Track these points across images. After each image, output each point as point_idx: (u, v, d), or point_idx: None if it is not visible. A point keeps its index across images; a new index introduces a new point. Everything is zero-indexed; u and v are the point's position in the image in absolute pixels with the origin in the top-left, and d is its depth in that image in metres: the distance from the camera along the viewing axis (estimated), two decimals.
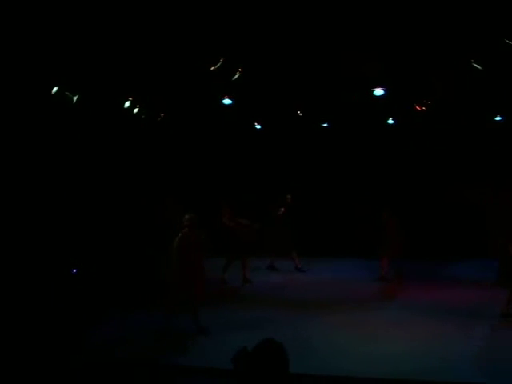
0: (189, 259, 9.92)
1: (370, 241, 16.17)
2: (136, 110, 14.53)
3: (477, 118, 15.92)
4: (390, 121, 16.95)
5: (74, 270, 13.16)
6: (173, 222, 11.02)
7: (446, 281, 14.00)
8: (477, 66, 11.36)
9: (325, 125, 17.97)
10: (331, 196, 18.61)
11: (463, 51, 10.98)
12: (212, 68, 11.30)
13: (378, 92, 13.22)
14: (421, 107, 15.03)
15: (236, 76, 11.99)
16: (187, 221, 10.09)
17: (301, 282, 14.82)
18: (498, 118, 16.17)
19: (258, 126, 18.04)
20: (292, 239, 15.79)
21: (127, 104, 14.06)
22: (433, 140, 17.63)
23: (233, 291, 13.61)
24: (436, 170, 17.62)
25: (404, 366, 8.23)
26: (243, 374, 3.64)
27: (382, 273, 14.48)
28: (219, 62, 11.23)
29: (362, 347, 9.10)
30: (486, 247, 13.26)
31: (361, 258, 16.76)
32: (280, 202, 15.98)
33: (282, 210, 15.87)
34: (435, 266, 15.68)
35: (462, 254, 15.90)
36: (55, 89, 11.56)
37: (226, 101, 14.21)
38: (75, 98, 12.14)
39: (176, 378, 8.23)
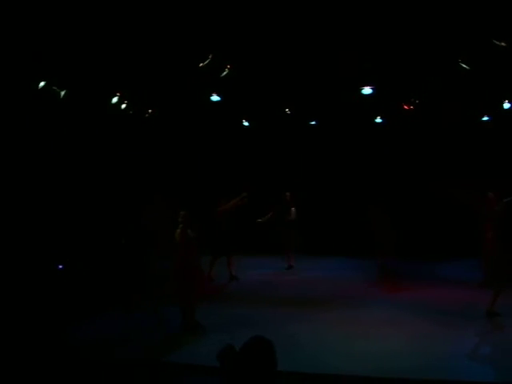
0: (187, 256, 9.97)
1: (358, 239, 16.27)
2: (124, 106, 14.47)
3: (464, 118, 16.00)
4: (378, 119, 17.01)
5: (60, 266, 13.09)
6: (161, 218, 11.00)
7: (435, 280, 13.96)
8: (464, 66, 11.42)
9: (313, 123, 17.99)
10: (319, 194, 18.65)
11: (451, 51, 11.03)
12: (200, 65, 11.27)
13: (367, 91, 13.26)
14: (409, 106, 15.10)
15: (224, 73, 11.97)
16: (182, 217, 10.10)
17: (289, 279, 14.84)
18: (485, 118, 16.28)
19: (246, 123, 18.00)
20: (292, 237, 15.85)
21: (115, 99, 13.99)
22: (421, 139, 17.70)
23: (219, 288, 13.59)
24: (425, 169, 17.68)
25: (393, 363, 8.21)
26: (230, 371, 3.63)
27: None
28: (208, 58, 11.21)
29: (352, 345, 9.09)
30: (476, 247, 13.27)
31: (349, 256, 16.81)
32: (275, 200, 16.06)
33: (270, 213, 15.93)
34: (425, 266, 15.69)
35: (451, 253, 15.96)
36: (42, 83, 11.48)
37: (215, 97, 14.18)
38: (63, 93, 12.07)
39: (166, 376, 8.20)
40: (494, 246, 10.96)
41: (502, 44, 10.02)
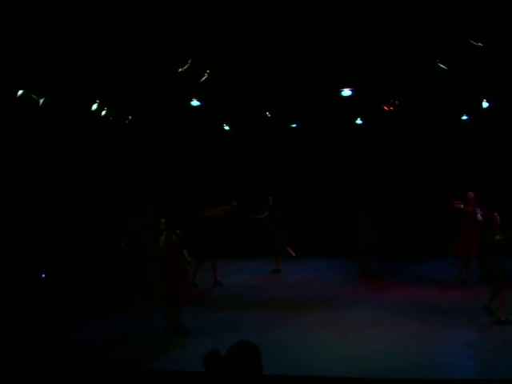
0: (173, 261, 9.95)
1: (342, 240, 16.30)
2: (104, 113, 14.40)
3: (444, 117, 16.10)
4: (359, 121, 17.07)
5: (43, 275, 13.01)
6: (146, 225, 10.98)
7: (419, 280, 13.96)
8: (442, 65, 11.51)
9: (294, 125, 18.02)
10: (303, 197, 18.66)
11: (429, 51, 11.11)
12: (180, 70, 11.25)
13: (346, 92, 13.30)
14: (388, 107, 15.17)
15: (204, 77, 11.96)
16: (164, 224, 10.13)
17: (273, 283, 14.84)
18: (464, 118, 16.39)
19: (226, 128, 17.99)
20: (278, 241, 15.87)
21: (95, 106, 13.92)
22: (402, 140, 17.79)
23: (203, 294, 13.55)
24: (408, 169, 17.77)
25: (380, 364, 8.24)
26: (216, 376, 3.62)
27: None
28: (187, 63, 11.19)
29: (336, 347, 9.11)
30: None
31: (333, 257, 16.82)
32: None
33: (266, 213, 15.96)
34: (409, 266, 15.71)
35: (434, 253, 15.98)
36: (21, 91, 11.40)
37: (195, 102, 14.16)
38: (41, 101, 11.99)
39: (152, 382, 8.17)
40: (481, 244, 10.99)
41: (479, 44, 10.11)
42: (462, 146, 17.03)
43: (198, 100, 14.11)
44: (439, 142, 17.36)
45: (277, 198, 16.08)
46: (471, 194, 12.61)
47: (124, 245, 11.03)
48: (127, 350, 9.29)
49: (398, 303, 11.83)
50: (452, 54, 11.11)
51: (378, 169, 18.09)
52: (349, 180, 18.22)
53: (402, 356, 8.60)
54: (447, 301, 11.79)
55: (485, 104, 14.74)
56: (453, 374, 7.92)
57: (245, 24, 9.66)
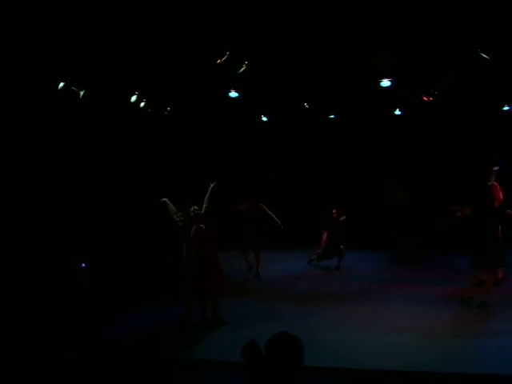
0: (206, 250, 9.99)
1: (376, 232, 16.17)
2: (142, 104, 14.52)
3: (484, 108, 15.84)
4: (397, 112, 16.89)
5: (83, 265, 13.20)
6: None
7: (457, 273, 13.70)
8: (484, 55, 11.29)
9: (331, 116, 17.92)
10: (340, 187, 18.53)
11: (470, 40, 10.91)
12: (218, 61, 11.26)
13: (385, 83, 13.16)
14: (428, 98, 14.95)
15: (242, 69, 11.95)
16: (193, 212, 10.11)
17: (307, 274, 14.79)
18: (505, 108, 16.09)
19: (264, 119, 17.99)
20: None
21: (133, 98, 14.04)
22: (441, 130, 17.51)
23: (240, 283, 13.56)
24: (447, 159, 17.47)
25: (410, 357, 8.21)
26: (255, 366, 3.63)
27: None
28: (225, 55, 11.20)
29: (370, 339, 9.03)
30: None
31: (367, 249, 16.69)
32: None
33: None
34: (448, 258, 15.45)
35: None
36: (62, 84, 11.57)
37: (233, 93, 14.17)
38: (81, 93, 12.14)
39: (188, 373, 8.23)
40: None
41: None
42: (503, 137, 16.70)
43: (236, 91, 14.12)
44: (480, 132, 17.04)
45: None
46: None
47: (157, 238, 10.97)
48: (164, 341, 9.38)
49: (433, 296, 11.71)
50: (494, 43, 10.90)
51: (418, 159, 17.85)
52: (387, 170, 18.04)
53: (434, 349, 8.53)
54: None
55: None
56: (487, 368, 7.81)
57: (283, 14, 9.61)
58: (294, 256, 16.56)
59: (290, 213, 16.85)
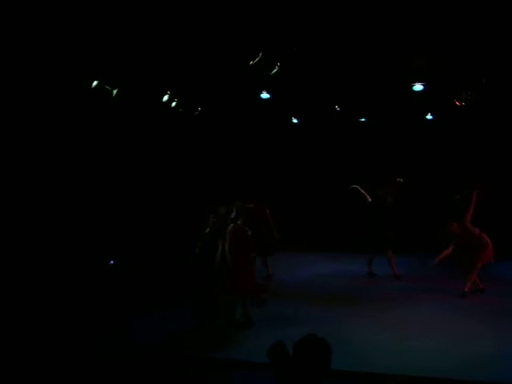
0: (241, 251, 10.01)
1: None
2: (174, 104, 14.62)
3: None
4: (429, 116, 16.76)
5: (111, 262, 13.34)
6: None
7: (491, 281, 13.47)
8: None
9: (363, 120, 17.83)
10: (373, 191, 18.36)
11: (506, 45, 10.80)
12: (251, 62, 11.30)
13: (418, 87, 13.07)
14: (460, 102, 14.80)
15: (275, 70, 11.96)
16: (237, 207, 10.12)
17: (337, 277, 14.63)
18: None
19: (295, 120, 17.98)
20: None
21: (166, 98, 14.15)
22: (474, 134, 17.25)
23: (267, 286, 13.50)
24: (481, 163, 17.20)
25: (437, 364, 8.16)
26: (282, 367, 3.65)
27: None
28: (258, 56, 11.23)
29: (397, 344, 9.04)
30: None
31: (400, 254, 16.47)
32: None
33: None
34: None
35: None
36: (95, 82, 11.70)
37: (264, 95, 14.19)
38: (115, 92, 12.27)
39: (214, 372, 8.28)
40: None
41: None
42: None
43: (267, 93, 14.14)
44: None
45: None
46: None
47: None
48: (192, 340, 9.44)
49: (464, 303, 11.59)
50: None
51: (450, 164, 17.62)
52: (419, 174, 17.83)
53: (464, 357, 8.47)
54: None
55: None
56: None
57: (316, 17, 9.62)
58: (315, 259, 16.51)
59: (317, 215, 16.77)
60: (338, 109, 16.35)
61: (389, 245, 13.87)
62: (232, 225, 10.06)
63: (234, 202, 10.63)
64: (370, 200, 14.06)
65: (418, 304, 11.56)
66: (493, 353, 8.62)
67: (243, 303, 10.20)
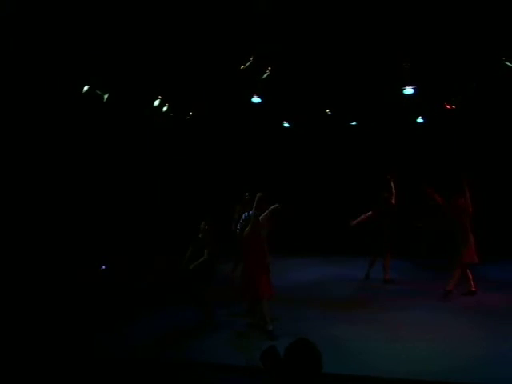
0: (254, 255, 9.89)
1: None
2: (165, 109, 14.62)
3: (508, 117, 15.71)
4: (420, 119, 16.81)
5: (103, 267, 13.31)
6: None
7: (483, 282, 13.38)
8: (509, 64, 11.22)
9: (353, 123, 17.87)
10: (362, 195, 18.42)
11: (495, 49, 10.86)
12: (242, 67, 11.32)
13: (408, 91, 13.09)
14: (451, 106, 14.86)
15: (265, 74, 11.99)
16: (258, 201, 10.03)
17: (333, 280, 14.60)
18: None
19: (286, 125, 18.00)
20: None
21: (157, 102, 14.15)
22: (464, 138, 17.32)
23: None
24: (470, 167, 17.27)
25: (433, 367, 8.15)
26: (273, 372, 3.65)
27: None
28: (249, 60, 11.25)
29: (393, 347, 8.98)
30: None
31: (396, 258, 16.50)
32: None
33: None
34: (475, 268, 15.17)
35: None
36: (86, 87, 11.69)
37: (255, 99, 14.19)
38: (106, 97, 12.27)
39: (204, 376, 8.28)
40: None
41: None
42: None
43: (258, 97, 14.15)
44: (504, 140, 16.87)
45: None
46: None
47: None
48: (188, 345, 9.43)
49: (459, 306, 11.61)
50: None
51: (438, 167, 17.68)
52: (408, 178, 17.88)
53: (458, 359, 8.45)
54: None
55: None
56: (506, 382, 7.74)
57: (306, 21, 9.64)
58: (312, 263, 16.52)
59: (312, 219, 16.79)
60: (329, 113, 16.39)
61: (389, 247, 13.91)
62: (246, 229, 9.98)
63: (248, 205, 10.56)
64: (393, 202, 14.09)
65: (412, 307, 11.55)
66: (486, 355, 8.60)
67: (258, 308, 10.10)
